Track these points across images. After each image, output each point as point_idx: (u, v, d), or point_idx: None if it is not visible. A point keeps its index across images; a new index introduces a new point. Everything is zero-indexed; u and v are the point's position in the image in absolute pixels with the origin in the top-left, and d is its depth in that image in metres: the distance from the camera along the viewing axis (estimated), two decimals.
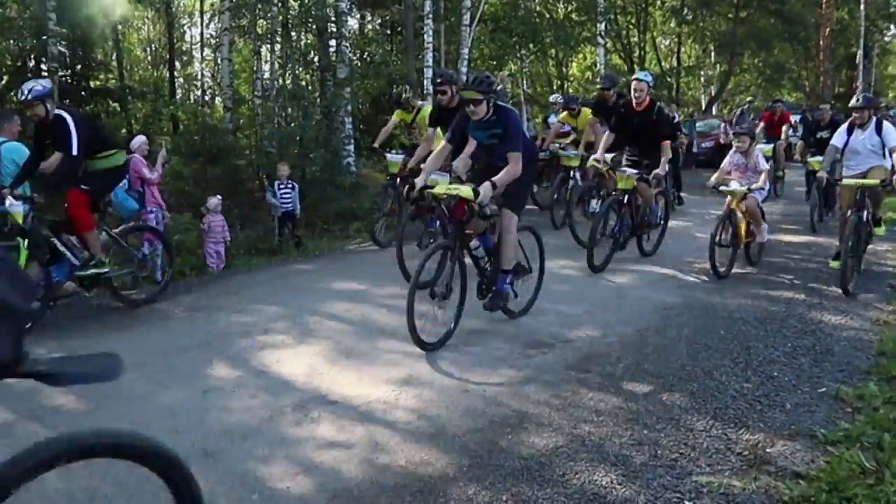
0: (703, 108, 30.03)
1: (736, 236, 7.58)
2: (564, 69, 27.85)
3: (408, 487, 3.36)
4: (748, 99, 20.66)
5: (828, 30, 31.63)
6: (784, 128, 13.57)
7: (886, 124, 7.30)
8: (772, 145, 12.84)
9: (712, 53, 31.01)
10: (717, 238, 7.38)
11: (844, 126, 7.56)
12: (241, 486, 3.39)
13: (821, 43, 31.81)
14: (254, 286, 7.58)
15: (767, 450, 3.66)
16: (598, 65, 24.38)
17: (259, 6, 14.20)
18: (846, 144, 7.43)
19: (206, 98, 23.98)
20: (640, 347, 5.23)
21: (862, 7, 32.36)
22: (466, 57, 15.87)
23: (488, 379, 4.68)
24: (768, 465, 3.50)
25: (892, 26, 38.33)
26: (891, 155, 7.03)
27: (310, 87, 15.20)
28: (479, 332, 5.65)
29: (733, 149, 7.88)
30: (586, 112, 10.86)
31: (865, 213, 7.04)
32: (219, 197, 9.16)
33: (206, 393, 4.58)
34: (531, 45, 20.67)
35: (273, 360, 5.17)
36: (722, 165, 7.88)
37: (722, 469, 3.48)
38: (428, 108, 8.94)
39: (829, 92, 31.76)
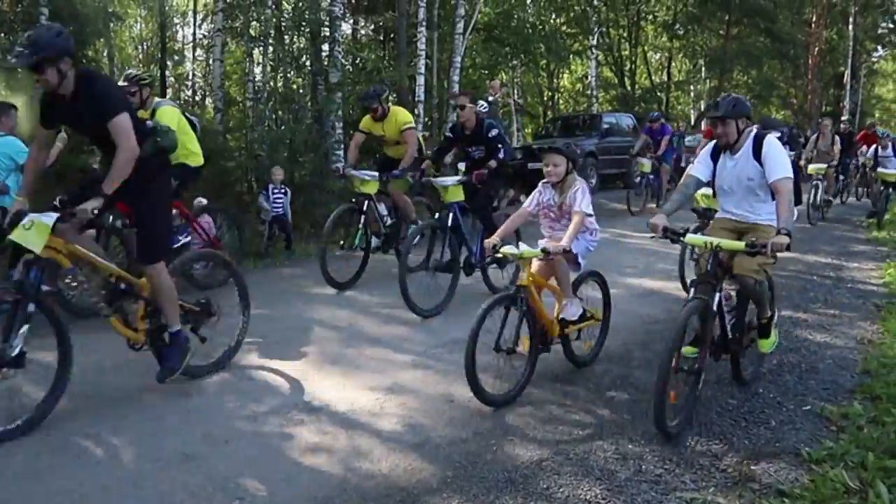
0: (693, 122, 30.19)
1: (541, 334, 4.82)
2: (555, 81, 27.96)
3: (390, 497, 3.33)
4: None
5: (817, 49, 31.94)
6: None
7: (769, 143, 4.45)
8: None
9: (703, 69, 31.20)
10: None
11: (707, 148, 4.80)
12: (223, 491, 3.36)
13: (809, 62, 32.11)
14: None
15: (752, 467, 3.66)
16: (590, 77, 24.50)
17: (252, 8, 14.17)
18: (714, 175, 4.73)
19: (197, 98, 23.90)
20: (626, 361, 5.23)
21: (850, 28, 32.74)
22: (459, 65, 15.88)
23: None
24: (753, 482, 3.50)
25: (879, 48, 38.79)
26: (774, 195, 4.41)
27: (301, 91, 15.15)
28: (465, 342, 5.61)
29: (541, 184, 5.05)
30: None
31: (719, 296, 4.34)
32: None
33: (189, 396, 4.54)
34: (523, 56, 20.73)
35: (257, 364, 5.13)
36: (522, 207, 5.11)
37: (706, 485, 3.47)
38: (402, 114, 7.94)
39: (816, 110, 32.04)
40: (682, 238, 4.40)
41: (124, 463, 3.66)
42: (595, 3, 22.29)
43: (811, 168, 12.75)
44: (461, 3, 15.67)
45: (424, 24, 15.33)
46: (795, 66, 31.89)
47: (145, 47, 30.03)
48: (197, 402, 4.44)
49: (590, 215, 4.93)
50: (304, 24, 13.93)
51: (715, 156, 4.72)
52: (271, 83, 15.18)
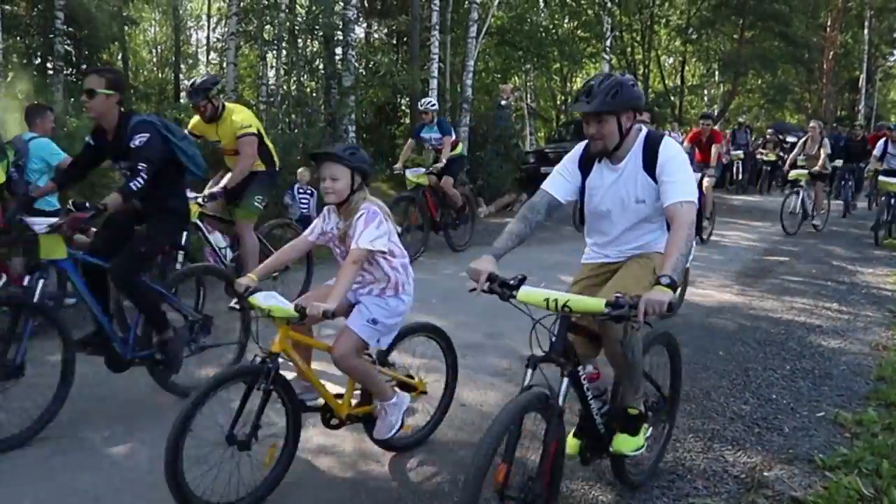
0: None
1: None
2: (569, 85, 27.92)
3: (401, 501, 3.33)
4: (740, 119, 20.36)
5: (831, 53, 31.76)
6: (714, 149, 10.68)
7: (667, 144, 3.09)
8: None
9: (716, 73, 31.08)
10: None
11: (574, 154, 3.30)
12: (234, 493, 3.36)
13: (824, 66, 31.93)
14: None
15: (765, 473, 3.64)
16: None
17: (266, 12, 14.23)
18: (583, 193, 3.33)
19: None
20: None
21: (866, 32, 32.55)
22: (472, 69, 15.89)
23: (484, 393, 4.66)
24: (765, 488, 3.48)
25: (894, 51, 38.55)
26: (669, 222, 3.04)
27: (314, 95, 15.21)
28: (476, 346, 5.62)
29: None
30: None
31: (580, 371, 3.06)
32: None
33: (174, 405, 4.53)
34: (536, 60, 20.73)
35: None
36: (303, 234, 3.87)
37: (719, 492, 3.45)
38: (240, 115, 6.37)
39: (831, 115, 31.87)
40: (513, 294, 2.96)
41: (137, 465, 3.68)
42: (608, 6, 22.21)
43: (792, 174, 11.75)
44: (474, 7, 15.68)
45: (437, 27, 15.36)
46: (810, 71, 31.71)
47: (159, 51, 30.23)
48: (207, 405, 4.44)
49: (385, 254, 3.50)
50: (317, 27, 14.00)
51: (585, 166, 3.27)
52: (284, 87, 15.24)
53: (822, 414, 4.43)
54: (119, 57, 20.82)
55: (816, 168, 11.66)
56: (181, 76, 25.07)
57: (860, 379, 5.08)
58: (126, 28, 19.79)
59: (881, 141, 12.11)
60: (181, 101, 22.57)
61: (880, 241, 10.93)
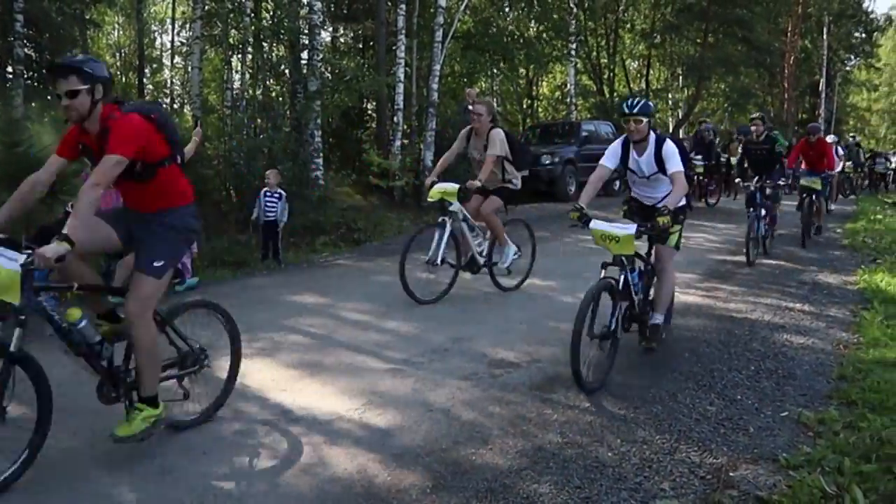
0: (671, 130, 30.42)
1: None
2: (534, 88, 28.07)
3: None
4: (702, 119, 20.40)
5: (792, 58, 32.36)
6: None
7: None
8: None
9: (680, 77, 31.47)
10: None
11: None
12: None
13: (785, 70, 32.51)
14: (218, 298, 7.39)
15: (731, 473, 3.67)
16: (568, 85, 24.61)
17: (231, 16, 14.12)
18: None
19: (175, 106, 23.73)
20: (605, 369, 5.22)
21: (825, 37, 33.19)
22: (438, 73, 15.90)
23: (453, 398, 4.64)
24: (731, 489, 3.51)
25: (852, 57, 39.39)
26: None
27: (280, 99, 15.12)
28: (444, 351, 5.62)
29: None
30: None
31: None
32: None
33: (166, 407, 4.47)
34: (502, 63, 20.81)
35: None
36: None
37: (686, 493, 3.48)
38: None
39: (792, 118, 32.43)
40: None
41: (101, 478, 3.60)
42: (574, 11, 22.38)
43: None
44: (440, 12, 15.69)
45: (404, 32, 15.36)
46: (772, 75, 32.28)
47: (123, 55, 29.82)
48: (174, 413, 4.38)
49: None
50: (282, 32, 13.93)
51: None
52: (250, 91, 15.13)
53: (786, 414, 4.49)
54: None
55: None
56: (145, 80, 24.79)
57: (822, 378, 5.16)
58: (88, 31, 19.47)
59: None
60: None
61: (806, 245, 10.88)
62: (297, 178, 12.40)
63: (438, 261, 6.99)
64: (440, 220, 7.16)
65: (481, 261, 7.52)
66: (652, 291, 5.53)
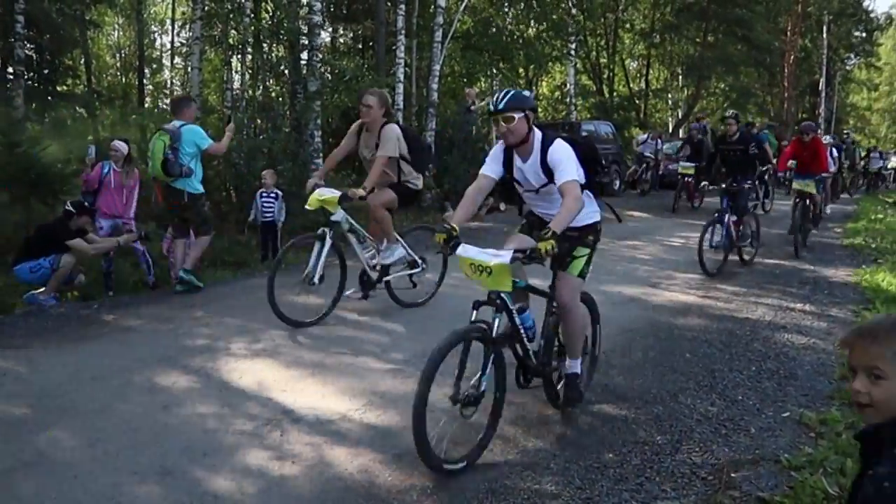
0: (671, 130, 30.43)
1: None
2: (535, 88, 28.07)
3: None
4: (699, 117, 20.26)
5: (792, 57, 32.35)
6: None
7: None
8: None
9: (680, 76, 31.47)
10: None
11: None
12: None
13: (785, 69, 32.51)
14: (218, 299, 7.46)
15: (732, 474, 3.66)
16: (568, 85, 24.61)
17: (231, 17, 14.11)
18: None
19: None
20: (606, 370, 5.22)
21: (825, 36, 33.19)
22: (437, 73, 15.90)
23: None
24: (733, 489, 3.51)
25: (852, 56, 39.41)
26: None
27: (280, 100, 15.11)
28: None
29: None
30: None
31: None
32: None
33: (167, 408, 4.47)
34: (501, 63, 20.80)
35: (236, 374, 5.08)
36: None
37: (687, 493, 3.47)
38: None
39: (792, 117, 32.43)
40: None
41: (101, 477, 3.60)
42: (573, 11, 22.39)
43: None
44: (440, 12, 15.69)
45: (403, 32, 15.35)
46: (772, 74, 32.29)
47: (123, 55, 29.85)
48: (174, 414, 4.38)
49: None
50: (282, 32, 13.92)
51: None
52: (250, 91, 15.13)
53: (788, 414, 4.49)
54: (82, 61, 20.51)
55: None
56: (145, 81, 24.80)
57: (824, 378, 5.15)
58: (89, 32, 19.50)
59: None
60: (145, 105, 22.36)
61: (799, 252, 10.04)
62: (297, 179, 12.37)
63: (316, 279, 6.19)
64: (319, 231, 6.34)
65: (374, 276, 6.62)
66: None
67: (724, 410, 4.54)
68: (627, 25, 29.12)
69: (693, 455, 3.89)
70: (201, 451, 3.86)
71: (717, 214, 8.71)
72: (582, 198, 3.97)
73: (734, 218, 8.87)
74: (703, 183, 10.15)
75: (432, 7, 16.48)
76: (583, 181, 4.11)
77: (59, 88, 16.93)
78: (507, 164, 4.23)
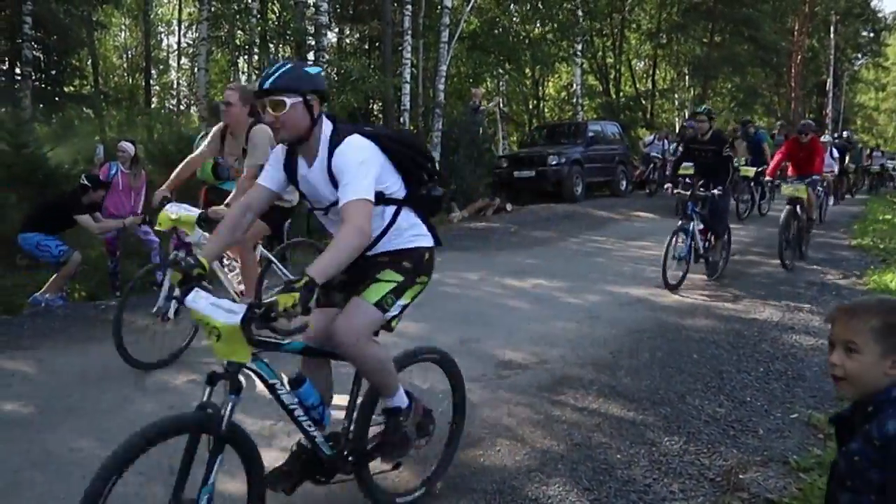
0: (677, 130, 30.34)
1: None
2: (541, 89, 28.06)
3: None
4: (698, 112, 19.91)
5: (799, 57, 32.27)
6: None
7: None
8: None
9: (686, 77, 31.40)
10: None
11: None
12: None
13: (792, 70, 32.42)
14: None
15: (741, 476, 3.65)
16: (575, 85, 24.59)
17: (238, 17, 14.14)
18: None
19: (182, 107, 23.80)
20: (614, 370, 5.21)
21: (832, 36, 33.10)
22: (444, 74, 15.90)
23: None
24: (741, 491, 3.49)
25: (860, 56, 39.31)
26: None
27: None
28: (452, 352, 5.57)
29: None
30: None
31: None
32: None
33: (173, 408, 4.47)
34: (508, 64, 20.81)
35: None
36: None
37: (695, 495, 3.46)
38: None
39: (799, 118, 32.33)
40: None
41: None
42: (579, 12, 22.39)
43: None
44: (446, 12, 15.69)
45: (410, 32, 15.36)
46: (779, 74, 32.20)
47: (130, 56, 29.94)
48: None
49: None
50: (289, 33, 13.94)
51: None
52: None
53: (796, 415, 4.46)
54: (88, 62, 20.58)
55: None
56: (152, 81, 24.86)
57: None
58: (95, 33, 19.56)
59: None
60: (152, 106, 22.42)
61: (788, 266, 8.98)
62: None
63: (171, 313, 5.20)
64: (172, 255, 5.62)
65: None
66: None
67: (732, 412, 4.52)
68: (634, 25, 29.08)
69: (701, 456, 3.87)
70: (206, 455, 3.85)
71: (681, 222, 7.92)
72: (368, 228, 2.71)
73: (700, 226, 8.10)
74: (665, 185, 9.07)
75: (438, 7, 16.49)
76: (401, 196, 3.07)
77: (66, 89, 17.00)
78: (290, 169, 3.02)
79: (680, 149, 13.92)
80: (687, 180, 8.26)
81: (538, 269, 8.83)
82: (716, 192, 7.92)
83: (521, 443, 4.00)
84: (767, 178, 10.11)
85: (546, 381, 4.97)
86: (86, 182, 7.63)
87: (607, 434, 4.13)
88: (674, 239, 7.74)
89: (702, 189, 8.04)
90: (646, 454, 3.87)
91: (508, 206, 15.09)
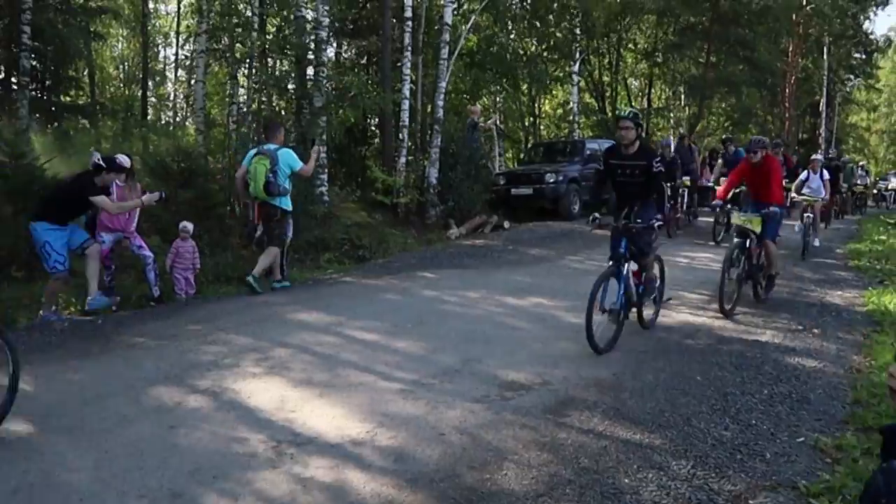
0: (672, 149, 30.39)
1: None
2: (537, 106, 28.11)
3: None
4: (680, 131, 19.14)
5: (793, 78, 32.49)
6: None
7: None
8: None
9: (682, 96, 31.52)
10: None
11: None
12: None
13: (786, 90, 32.63)
14: (223, 316, 7.41)
15: (750, 501, 3.61)
16: (571, 103, 24.65)
17: (237, 31, 14.11)
18: None
19: (178, 120, 23.78)
20: (618, 392, 5.17)
21: (825, 57, 33.35)
22: (443, 90, 15.90)
23: (465, 421, 4.58)
24: None
25: (852, 77, 39.63)
26: None
27: (285, 115, 15.10)
28: (455, 372, 5.56)
29: None
30: None
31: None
32: (190, 224, 8.90)
33: (173, 428, 4.42)
34: (504, 81, 20.82)
35: (244, 394, 5.03)
36: None
37: None
38: None
39: (793, 137, 32.54)
40: None
41: (108, 499, 3.54)
42: (576, 31, 22.47)
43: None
44: (446, 29, 15.71)
45: (409, 48, 15.37)
46: (773, 95, 32.37)
47: (127, 67, 29.92)
48: (182, 434, 4.32)
49: None
50: (288, 47, 13.91)
51: None
52: (255, 105, 15.11)
53: (803, 439, 4.43)
54: (85, 73, 20.53)
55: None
56: (149, 93, 24.82)
57: (837, 402, 5.10)
58: (93, 44, 19.53)
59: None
60: (148, 117, 22.37)
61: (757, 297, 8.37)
62: (303, 195, 12.34)
63: None
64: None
65: None
66: None
67: (738, 435, 4.48)
68: (630, 45, 29.20)
69: (710, 481, 3.83)
70: (211, 474, 3.80)
71: (610, 263, 6.37)
72: None
73: (634, 267, 6.65)
74: (593, 216, 6.94)
75: (438, 24, 16.51)
76: None
77: (62, 99, 16.94)
78: None
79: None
80: (597, 215, 6.88)
81: (538, 287, 8.80)
82: (655, 221, 6.61)
83: (527, 466, 3.95)
84: (716, 200, 8.70)
85: (550, 403, 4.93)
86: (100, 162, 7.51)
87: (614, 457, 4.09)
88: (602, 286, 6.10)
89: (625, 221, 6.46)
90: (654, 478, 3.83)
91: (506, 224, 15.08)
